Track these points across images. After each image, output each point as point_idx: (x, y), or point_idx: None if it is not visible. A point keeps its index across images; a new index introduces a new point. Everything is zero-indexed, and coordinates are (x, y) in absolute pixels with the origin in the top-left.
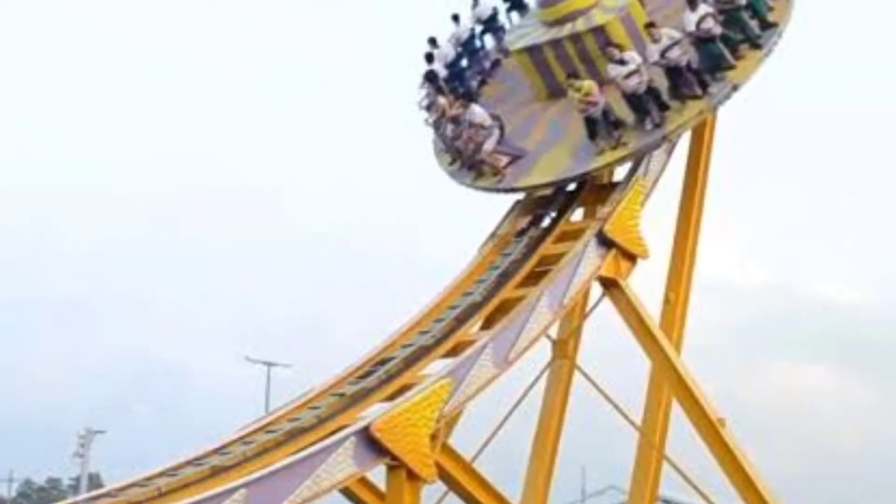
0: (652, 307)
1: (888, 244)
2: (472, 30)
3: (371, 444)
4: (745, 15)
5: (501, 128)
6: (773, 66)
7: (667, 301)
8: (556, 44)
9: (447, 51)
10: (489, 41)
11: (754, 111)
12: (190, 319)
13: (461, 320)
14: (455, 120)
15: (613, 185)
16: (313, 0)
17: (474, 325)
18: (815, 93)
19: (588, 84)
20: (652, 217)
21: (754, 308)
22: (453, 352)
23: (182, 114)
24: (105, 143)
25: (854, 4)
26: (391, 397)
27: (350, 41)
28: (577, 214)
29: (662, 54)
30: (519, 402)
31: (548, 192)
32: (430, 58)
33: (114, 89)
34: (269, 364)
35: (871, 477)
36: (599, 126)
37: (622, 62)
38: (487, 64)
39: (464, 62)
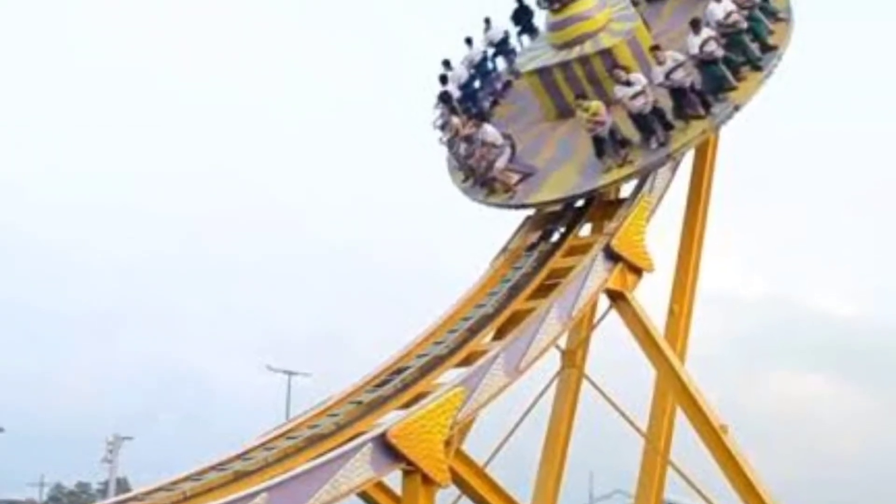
0: (657, 318)
1: (884, 258)
2: (485, 52)
3: (387, 450)
4: (747, 38)
5: (512, 146)
6: (774, 87)
7: (671, 313)
8: (565, 66)
9: (460, 72)
10: (501, 63)
11: (755, 131)
12: (214, 331)
13: (474, 331)
14: (468, 139)
15: (620, 202)
16: (334, 28)
17: (486, 336)
18: (814, 113)
19: (596, 104)
20: (657, 232)
21: (755, 319)
22: (466, 361)
23: (211, 135)
24: (137, 161)
25: (850, 30)
26: (407, 405)
27: (368, 66)
28: (586, 230)
29: (667, 76)
30: (529, 409)
31: (557, 208)
32: (444, 79)
33: (147, 111)
34: (290, 373)
35: (869, 481)
36: (606, 145)
37: (628, 83)
38: (499, 85)
39: (476, 83)
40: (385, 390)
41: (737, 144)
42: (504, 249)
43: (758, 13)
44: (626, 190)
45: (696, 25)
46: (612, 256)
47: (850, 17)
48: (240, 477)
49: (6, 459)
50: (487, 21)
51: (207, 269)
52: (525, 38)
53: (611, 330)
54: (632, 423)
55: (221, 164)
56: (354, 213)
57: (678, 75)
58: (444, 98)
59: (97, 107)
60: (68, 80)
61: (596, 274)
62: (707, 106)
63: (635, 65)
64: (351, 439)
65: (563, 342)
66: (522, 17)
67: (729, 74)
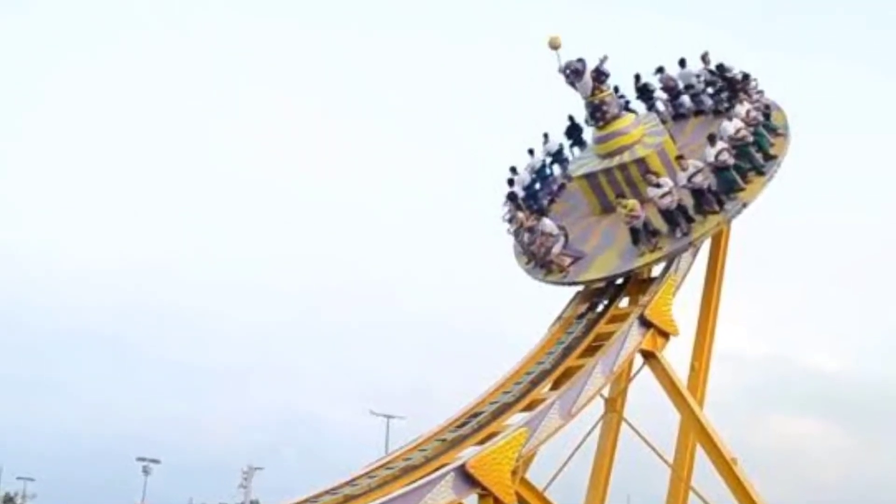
0: (681, 373)
1: (863, 324)
2: (544, 160)
3: (466, 477)
4: (753, 149)
5: (566, 236)
6: (774, 187)
7: (692, 368)
8: (607, 172)
9: (524, 177)
10: (557, 169)
11: (760, 222)
12: (327, 382)
13: (535, 383)
14: (530, 230)
15: (652, 280)
16: (425, 142)
17: (545, 387)
18: (806, 207)
19: (632, 202)
20: (681, 304)
21: (759, 373)
22: (529, 407)
23: (324, 227)
24: (266, 247)
25: (834, 141)
26: (482, 442)
27: (452, 171)
28: (624, 302)
29: (689, 179)
30: (579, 445)
31: (601, 284)
32: (511, 182)
33: (274, 209)
34: (388, 416)
35: (849, 502)
36: (641, 234)
37: (658, 185)
38: (555, 187)
39: (537, 185)
40: (464, 430)
41: (745, 233)
42: (559, 318)
43: (761, 129)
44: (656, 270)
45: (712, 139)
46: (646, 323)
47: (834, 131)
48: (348, 500)
49: (162, 485)
50: (546, 136)
51: (321, 333)
52: (576, 149)
53: (644, 382)
54: (661, 457)
55: (333, 249)
56: (439, 288)
57: (698, 179)
58: (511, 197)
59: (236, 206)
60: (215, 185)
61: (632, 337)
62: (721, 203)
63: (664, 170)
64: (437, 469)
65: (606, 392)
66: (574, 132)
67: (738, 178)
